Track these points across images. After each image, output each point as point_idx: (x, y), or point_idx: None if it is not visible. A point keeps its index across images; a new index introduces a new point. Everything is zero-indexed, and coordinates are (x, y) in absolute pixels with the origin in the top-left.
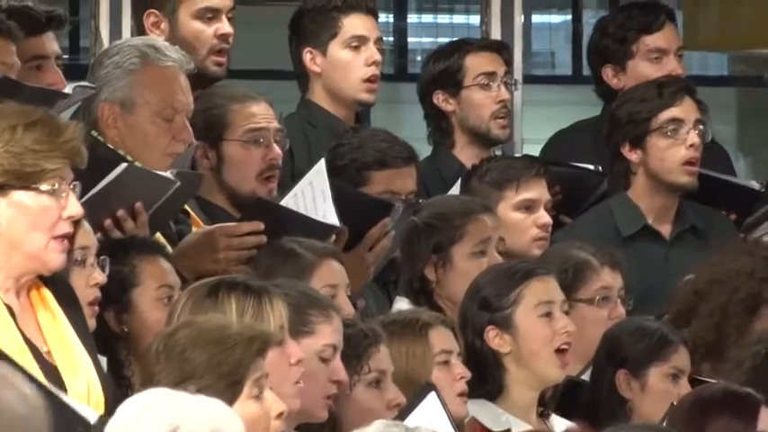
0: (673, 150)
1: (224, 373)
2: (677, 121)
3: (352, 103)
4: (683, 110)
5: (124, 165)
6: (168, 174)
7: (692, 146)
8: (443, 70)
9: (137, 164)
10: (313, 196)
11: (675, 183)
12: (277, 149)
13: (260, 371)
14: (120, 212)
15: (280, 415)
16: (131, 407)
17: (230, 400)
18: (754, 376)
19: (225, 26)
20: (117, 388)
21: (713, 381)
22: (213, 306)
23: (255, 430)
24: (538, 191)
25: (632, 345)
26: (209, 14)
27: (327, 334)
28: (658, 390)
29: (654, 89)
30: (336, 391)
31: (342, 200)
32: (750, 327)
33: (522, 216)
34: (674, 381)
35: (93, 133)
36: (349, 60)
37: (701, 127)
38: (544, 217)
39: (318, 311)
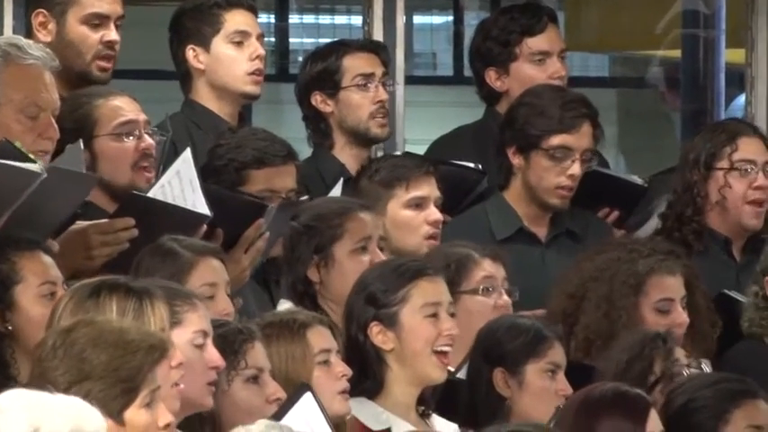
0: (553, 173)
1: (122, 378)
2: (566, 150)
3: (238, 97)
4: (577, 138)
5: None
6: (29, 165)
7: (571, 176)
8: (321, 71)
9: None
10: (181, 187)
11: (547, 202)
12: (149, 140)
13: (156, 382)
14: None
15: (167, 426)
16: None
17: (123, 405)
18: None
19: (112, 33)
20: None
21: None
22: (95, 307)
23: None
24: (428, 188)
25: (508, 343)
26: (97, 21)
27: (195, 321)
28: (536, 386)
29: (557, 107)
30: (216, 377)
31: (215, 203)
32: (638, 306)
33: (413, 214)
34: (552, 376)
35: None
36: (233, 55)
37: (585, 158)
38: (434, 214)
39: (182, 301)
